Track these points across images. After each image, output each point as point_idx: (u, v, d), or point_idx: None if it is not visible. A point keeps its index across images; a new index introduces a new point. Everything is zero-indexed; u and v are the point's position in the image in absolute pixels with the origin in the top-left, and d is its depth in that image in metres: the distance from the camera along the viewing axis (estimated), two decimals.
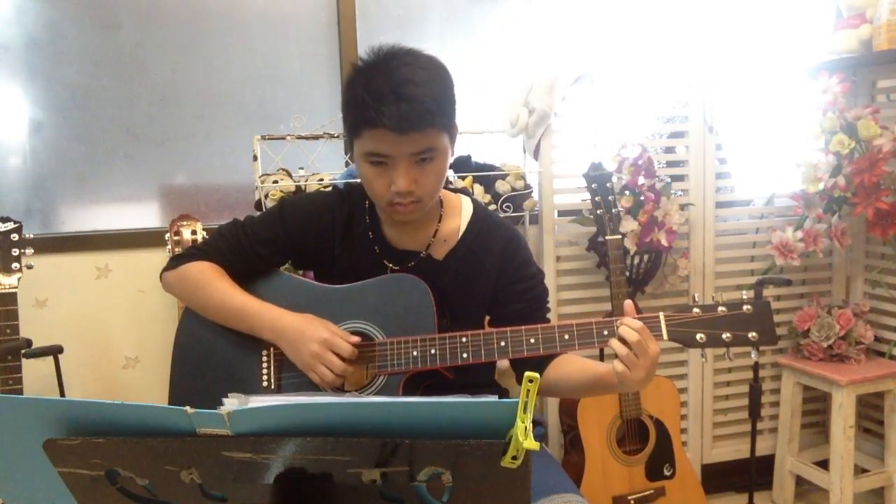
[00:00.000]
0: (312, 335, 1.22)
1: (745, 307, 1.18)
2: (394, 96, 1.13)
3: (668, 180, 2.27)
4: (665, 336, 1.17)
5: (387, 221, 1.36)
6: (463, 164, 2.25)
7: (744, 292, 1.22)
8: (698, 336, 1.18)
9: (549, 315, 1.41)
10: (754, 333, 1.17)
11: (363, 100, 1.15)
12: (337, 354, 1.21)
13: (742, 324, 1.18)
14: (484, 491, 0.73)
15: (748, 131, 2.42)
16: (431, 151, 1.20)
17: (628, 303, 1.19)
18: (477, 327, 1.29)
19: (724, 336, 1.17)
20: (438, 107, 1.17)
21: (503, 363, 1.35)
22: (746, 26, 2.41)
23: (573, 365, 1.31)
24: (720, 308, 1.19)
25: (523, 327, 1.22)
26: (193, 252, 1.36)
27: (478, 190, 2.17)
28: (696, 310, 1.19)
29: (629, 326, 1.13)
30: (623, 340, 1.13)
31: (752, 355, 1.21)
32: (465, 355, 1.22)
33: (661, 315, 1.18)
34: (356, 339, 1.24)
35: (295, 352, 1.24)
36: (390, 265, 1.35)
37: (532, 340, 1.21)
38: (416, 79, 1.15)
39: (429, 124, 1.16)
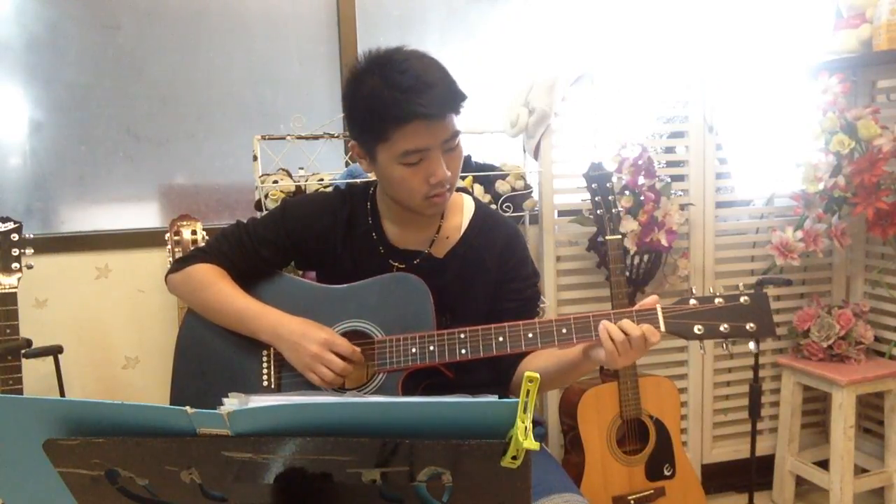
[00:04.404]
0: (312, 337, 1.22)
1: (742, 298, 1.18)
2: (422, 85, 1.14)
3: (668, 180, 2.26)
4: (663, 328, 1.17)
5: (391, 220, 1.36)
6: (463, 164, 2.24)
7: (741, 284, 1.22)
8: (696, 328, 1.17)
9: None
10: (752, 325, 1.17)
11: (391, 98, 1.14)
12: (337, 354, 1.21)
13: (740, 315, 1.17)
14: (484, 491, 0.72)
15: (748, 131, 2.42)
16: (457, 136, 1.22)
17: (655, 298, 1.19)
18: (478, 325, 1.28)
19: (721, 327, 1.17)
20: (458, 88, 1.20)
21: None
22: (746, 26, 2.41)
23: (540, 355, 1.32)
24: (717, 299, 1.18)
25: (521, 322, 1.21)
26: (196, 254, 1.37)
27: (478, 190, 2.17)
28: (693, 301, 1.18)
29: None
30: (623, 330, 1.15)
31: (751, 347, 1.21)
32: (463, 351, 1.22)
33: (659, 307, 1.18)
34: (356, 348, 1.24)
35: (294, 354, 1.24)
36: (395, 265, 1.35)
37: (530, 335, 1.20)
38: (431, 66, 1.18)
39: (459, 105, 1.20)
